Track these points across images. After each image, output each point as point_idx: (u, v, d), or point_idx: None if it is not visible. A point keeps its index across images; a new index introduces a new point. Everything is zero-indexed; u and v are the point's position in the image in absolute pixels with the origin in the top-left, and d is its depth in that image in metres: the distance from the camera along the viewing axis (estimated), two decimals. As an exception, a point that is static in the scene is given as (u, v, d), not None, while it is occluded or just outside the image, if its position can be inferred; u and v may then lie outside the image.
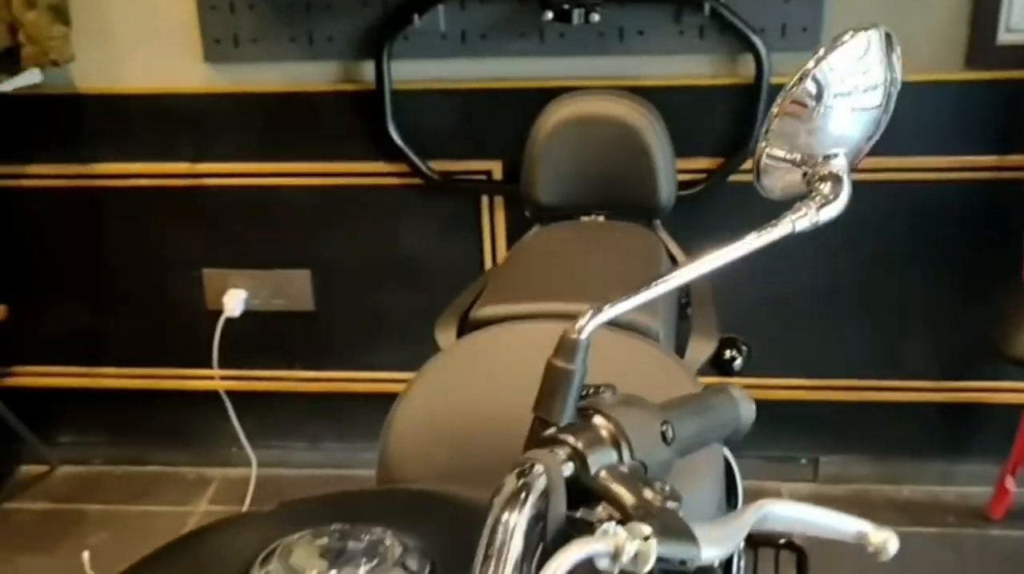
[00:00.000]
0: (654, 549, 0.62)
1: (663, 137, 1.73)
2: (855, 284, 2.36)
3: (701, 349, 1.42)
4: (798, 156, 0.79)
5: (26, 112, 2.40)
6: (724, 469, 1.46)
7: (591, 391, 0.73)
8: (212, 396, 2.56)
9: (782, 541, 1.78)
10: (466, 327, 1.45)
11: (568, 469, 0.67)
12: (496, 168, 2.35)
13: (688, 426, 0.76)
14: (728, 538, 0.69)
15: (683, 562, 0.65)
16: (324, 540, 0.72)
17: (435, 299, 1.59)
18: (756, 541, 1.77)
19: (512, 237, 2.35)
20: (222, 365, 2.50)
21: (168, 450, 2.67)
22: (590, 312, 0.71)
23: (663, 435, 0.72)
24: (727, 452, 1.55)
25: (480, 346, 1.35)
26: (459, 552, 0.64)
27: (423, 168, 2.34)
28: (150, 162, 2.42)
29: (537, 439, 0.69)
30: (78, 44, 2.29)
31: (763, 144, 0.79)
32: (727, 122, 2.25)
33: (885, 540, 0.77)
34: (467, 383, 1.28)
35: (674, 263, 1.64)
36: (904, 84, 0.83)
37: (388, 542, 0.73)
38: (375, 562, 0.71)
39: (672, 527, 0.64)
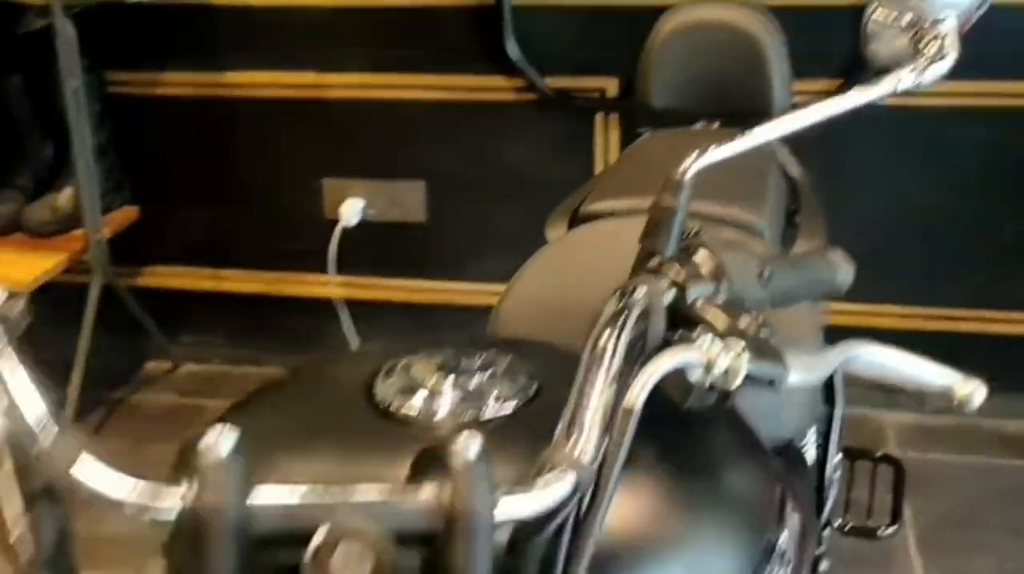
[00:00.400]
0: (745, 365, 0.68)
1: (779, 45, 1.75)
2: (968, 211, 2.33)
3: (806, 249, 1.45)
4: (906, 20, 0.81)
5: (161, 22, 2.53)
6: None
7: (692, 233, 0.78)
8: (327, 303, 2.68)
9: (879, 454, 1.80)
10: (575, 223, 1.51)
11: (669, 296, 0.72)
12: (612, 86, 2.39)
13: (785, 275, 0.81)
14: (815, 368, 0.73)
15: (771, 382, 0.70)
16: (439, 357, 0.80)
17: (546, 214, 1.64)
18: (853, 453, 1.79)
19: (624, 155, 2.39)
20: (338, 273, 2.61)
21: (284, 353, 2.80)
22: (694, 154, 0.76)
23: (760, 274, 0.77)
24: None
25: (588, 237, 1.41)
26: (563, 380, 0.70)
27: (539, 84, 2.39)
28: (278, 72, 2.52)
29: (641, 268, 0.75)
30: (212, -45, 2.40)
31: (871, 8, 0.81)
32: (848, 44, 2.24)
33: (972, 391, 0.80)
34: (573, 270, 1.33)
35: (787, 175, 1.66)
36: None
37: (499, 361, 0.80)
38: (488, 373, 0.78)
39: (763, 348, 0.69)
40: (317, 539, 0.53)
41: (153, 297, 2.78)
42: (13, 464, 0.51)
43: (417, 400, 0.75)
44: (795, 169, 1.68)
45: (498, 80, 2.43)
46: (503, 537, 0.61)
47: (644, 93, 1.75)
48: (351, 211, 2.59)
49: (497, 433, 0.72)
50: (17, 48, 2.52)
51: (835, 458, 1.61)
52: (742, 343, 0.68)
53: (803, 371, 0.72)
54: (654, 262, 0.74)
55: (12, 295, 0.57)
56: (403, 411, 0.74)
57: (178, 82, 2.59)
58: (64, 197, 2.55)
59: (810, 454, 1.44)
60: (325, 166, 2.60)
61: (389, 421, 0.74)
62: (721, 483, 0.79)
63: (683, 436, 0.77)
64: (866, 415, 2.44)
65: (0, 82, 2.53)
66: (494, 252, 2.70)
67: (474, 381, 0.77)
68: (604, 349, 0.68)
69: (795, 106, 1.95)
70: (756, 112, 1.73)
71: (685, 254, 0.75)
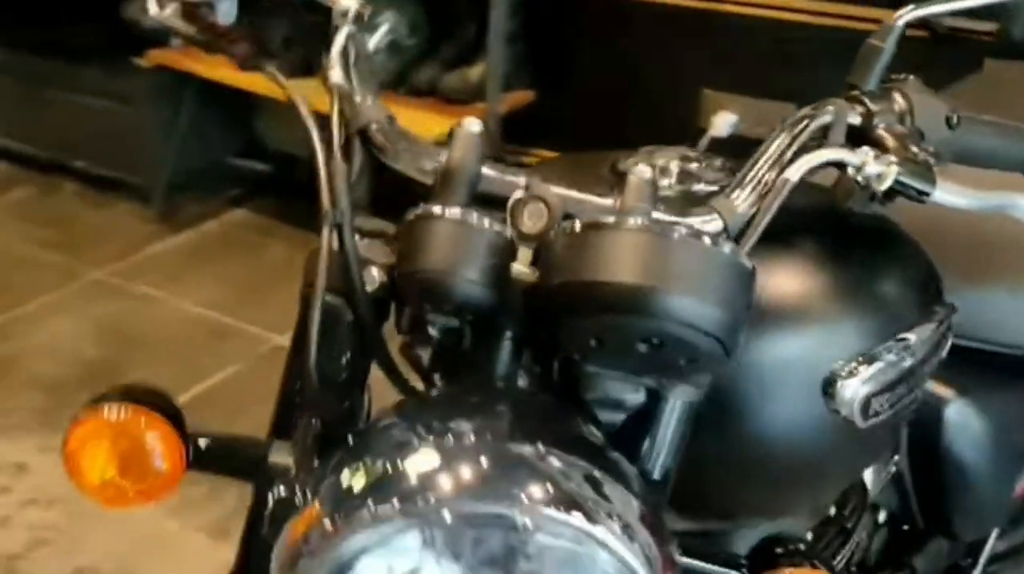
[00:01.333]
0: (893, 172, 0.86)
1: None
2: None
3: None
4: None
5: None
6: None
7: (898, 78, 0.96)
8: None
9: None
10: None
11: (855, 118, 0.92)
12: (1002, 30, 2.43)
13: (980, 132, 0.97)
14: (966, 196, 0.89)
15: (920, 193, 0.88)
16: (683, 152, 1.05)
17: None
18: None
19: None
20: (700, 180, 2.86)
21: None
22: (912, 5, 0.94)
23: (948, 119, 0.94)
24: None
25: None
26: None
27: (931, 21, 2.48)
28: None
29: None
30: None
31: None
32: None
33: None
34: None
35: None
36: None
37: (727, 162, 1.03)
38: (711, 165, 1.02)
39: (917, 165, 0.88)
40: (516, 195, 0.81)
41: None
42: (339, 109, 0.84)
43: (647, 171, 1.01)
44: None
45: (888, 13, 2.54)
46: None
47: (1005, 23, 1.83)
48: (723, 123, 2.81)
49: (698, 199, 0.97)
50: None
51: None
52: (896, 158, 0.87)
53: (951, 193, 0.89)
54: (853, 93, 0.94)
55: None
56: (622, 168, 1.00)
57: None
58: (475, 72, 3.00)
59: None
60: (705, 75, 2.84)
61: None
62: (860, 270, 0.97)
63: (841, 231, 0.97)
64: None
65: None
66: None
67: (694, 167, 1.01)
68: (784, 137, 0.90)
69: None
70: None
71: (884, 92, 0.94)
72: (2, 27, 3.67)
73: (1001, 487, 1.39)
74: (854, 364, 0.92)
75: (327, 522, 0.68)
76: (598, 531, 0.70)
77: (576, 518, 0.70)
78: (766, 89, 2.79)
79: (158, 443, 0.77)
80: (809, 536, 1.11)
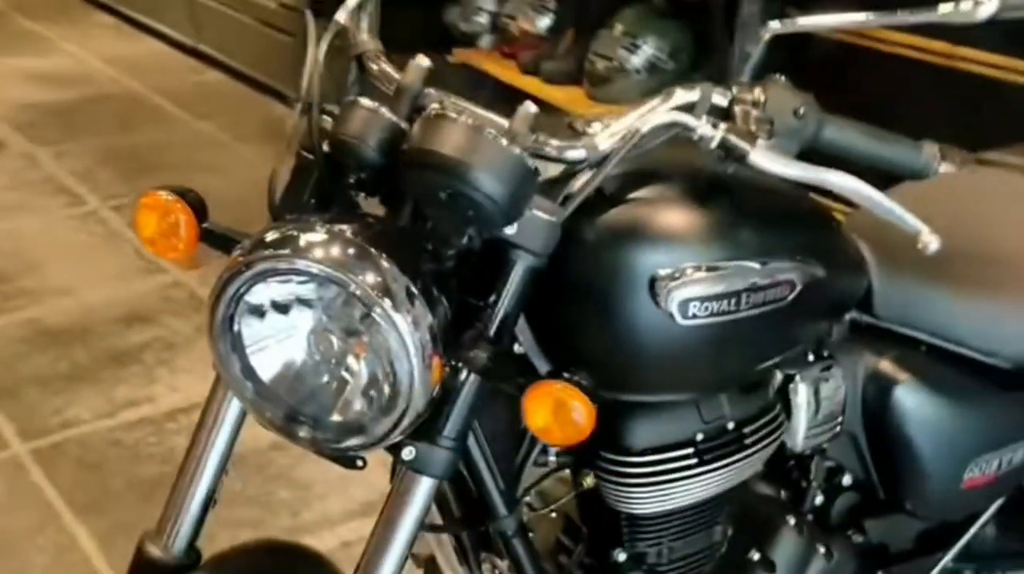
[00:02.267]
0: (718, 136, 1.19)
1: None
2: None
3: None
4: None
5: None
6: None
7: (770, 77, 1.29)
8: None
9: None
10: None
11: (720, 99, 1.24)
12: None
13: (842, 131, 1.26)
14: (781, 165, 1.19)
15: (740, 156, 1.20)
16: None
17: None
18: None
19: None
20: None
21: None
22: (777, 21, 1.27)
23: (795, 111, 1.25)
24: None
25: (965, 179, 1.78)
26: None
27: None
28: (915, 35, 3.02)
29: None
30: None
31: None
32: None
33: (927, 244, 1.20)
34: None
35: None
36: None
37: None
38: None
39: (741, 132, 1.20)
40: (431, 107, 1.23)
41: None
42: (335, 32, 1.30)
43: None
44: None
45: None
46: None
47: None
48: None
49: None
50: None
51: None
52: (724, 125, 1.20)
53: (768, 160, 1.19)
54: (728, 82, 1.28)
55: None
56: (577, 126, 1.38)
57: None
58: (717, 95, 3.39)
59: None
60: (931, 132, 3.03)
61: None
62: (718, 205, 1.29)
63: (718, 180, 1.27)
64: None
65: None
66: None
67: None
68: (654, 103, 1.25)
69: None
70: None
71: (751, 84, 1.26)
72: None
73: (947, 473, 1.60)
74: (687, 270, 1.24)
75: (241, 259, 1.14)
76: (396, 318, 1.11)
77: (387, 303, 1.12)
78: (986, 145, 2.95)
79: (183, 222, 1.28)
80: (700, 437, 1.42)
